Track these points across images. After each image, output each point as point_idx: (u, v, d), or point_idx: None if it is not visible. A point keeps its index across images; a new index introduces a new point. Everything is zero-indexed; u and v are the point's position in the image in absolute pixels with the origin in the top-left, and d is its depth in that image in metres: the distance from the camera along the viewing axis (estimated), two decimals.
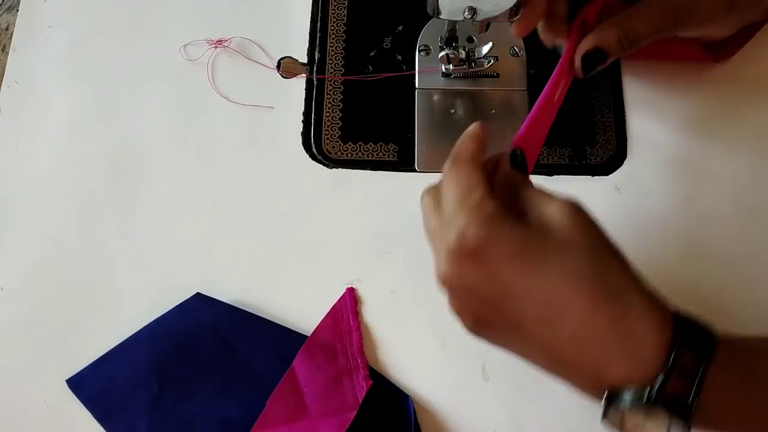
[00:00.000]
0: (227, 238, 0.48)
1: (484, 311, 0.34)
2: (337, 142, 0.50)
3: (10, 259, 0.47)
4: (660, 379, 0.30)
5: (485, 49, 0.50)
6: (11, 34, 0.54)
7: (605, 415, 0.32)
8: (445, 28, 0.49)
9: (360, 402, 0.42)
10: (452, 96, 0.51)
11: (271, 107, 0.51)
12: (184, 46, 0.52)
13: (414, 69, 0.52)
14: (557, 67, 0.42)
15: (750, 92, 0.50)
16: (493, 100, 0.51)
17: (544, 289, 0.32)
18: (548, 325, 0.32)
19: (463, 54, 0.50)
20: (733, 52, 0.49)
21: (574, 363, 0.33)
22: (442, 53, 0.50)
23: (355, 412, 0.41)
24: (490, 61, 0.50)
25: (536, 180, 0.49)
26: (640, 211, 0.48)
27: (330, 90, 0.52)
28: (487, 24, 0.46)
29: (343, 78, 0.52)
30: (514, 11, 0.43)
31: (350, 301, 0.45)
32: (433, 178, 0.49)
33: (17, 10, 0.54)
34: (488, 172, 0.37)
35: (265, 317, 0.45)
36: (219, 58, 0.52)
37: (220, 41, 0.52)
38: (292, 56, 0.52)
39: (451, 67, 0.51)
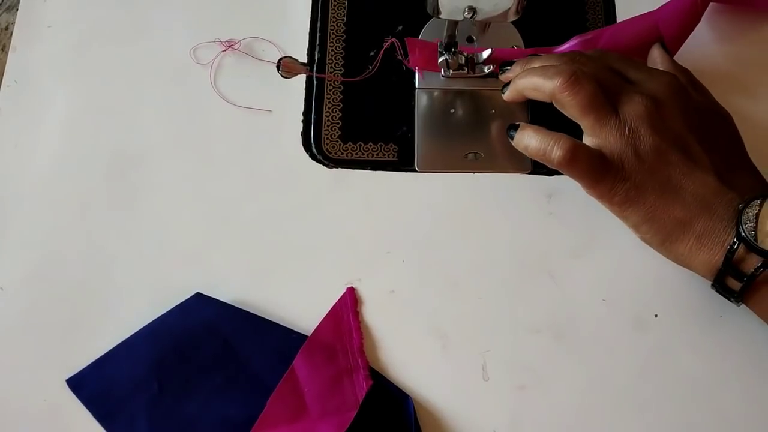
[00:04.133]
0: (227, 238, 0.48)
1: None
2: (337, 142, 0.50)
3: (10, 259, 0.47)
4: None
5: (485, 54, 0.50)
6: (11, 34, 0.54)
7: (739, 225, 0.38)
8: (445, 34, 0.48)
9: (360, 402, 0.42)
10: (452, 96, 0.51)
11: (271, 107, 0.51)
12: (194, 49, 0.52)
13: (414, 69, 0.52)
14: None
15: (736, 84, 0.51)
16: (493, 100, 0.51)
17: None
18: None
19: (462, 59, 0.50)
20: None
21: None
22: (441, 59, 0.50)
23: (355, 412, 0.41)
24: (489, 68, 0.50)
25: (536, 179, 0.49)
26: None
27: (330, 90, 0.52)
28: (487, 24, 0.46)
29: (342, 78, 0.52)
30: (514, 11, 0.43)
31: (350, 301, 0.45)
32: (433, 178, 0.49)
33: (17, 10, 0.54)
34: None
35: (265, 317, 0.45)
36: (219, 59, 0.52)
37: (229, 42, 0.52)
38: (292, 56, 0.52)
39: (450, 72, 0.51)
